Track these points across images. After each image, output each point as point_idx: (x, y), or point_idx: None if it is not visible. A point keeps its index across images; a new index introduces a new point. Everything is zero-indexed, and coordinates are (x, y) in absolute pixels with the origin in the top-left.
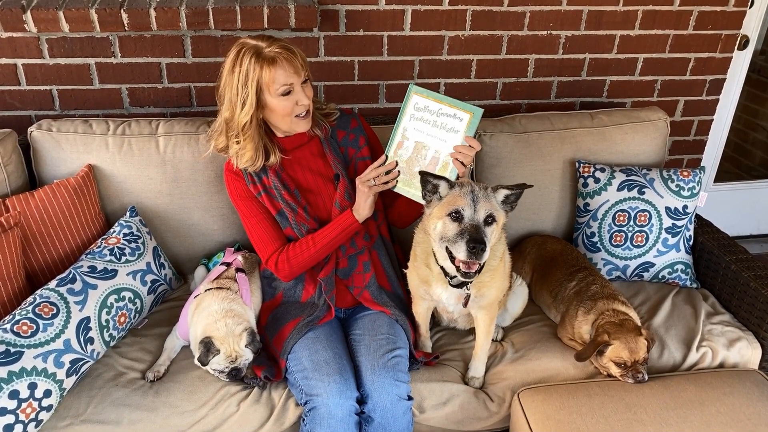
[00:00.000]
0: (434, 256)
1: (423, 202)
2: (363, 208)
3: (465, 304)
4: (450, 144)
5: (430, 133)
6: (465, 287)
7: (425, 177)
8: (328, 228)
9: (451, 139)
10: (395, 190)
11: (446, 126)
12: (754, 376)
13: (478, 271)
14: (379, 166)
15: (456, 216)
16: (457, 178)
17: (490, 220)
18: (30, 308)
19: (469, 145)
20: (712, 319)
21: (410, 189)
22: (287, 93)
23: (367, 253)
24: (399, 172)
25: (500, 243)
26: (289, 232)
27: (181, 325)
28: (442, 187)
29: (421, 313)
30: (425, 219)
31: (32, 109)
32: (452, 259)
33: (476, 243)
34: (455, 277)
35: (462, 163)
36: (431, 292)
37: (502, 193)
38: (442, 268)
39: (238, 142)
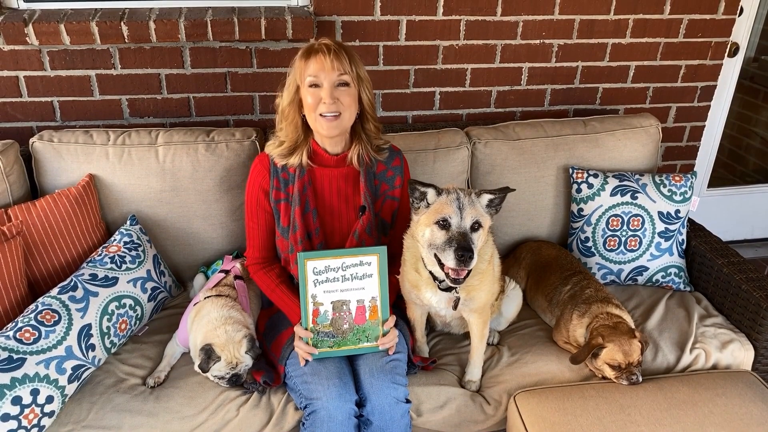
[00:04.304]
0: (423, 260)
1: (374, 350)
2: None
3: (455, 307)
4: (370, 289)
5: (344, 288)
6: (454, 290)
7: (413, 184)
8: (284, 298)
9: (369, 284)
10: (332, 355)
11: (358, 275)
12: (747, 377)
13: (466, 276)
14: (300, 339)
15: (443, 224)
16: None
17: (476, 226)
18: (32, 315)
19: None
20: (705, 322)
21: (350, 347)
22: (314, 85)
23: None
24: (318, 345)
25: (487, 246)
26: (283, 242)
27: (181, 332)
28: (430, 194)
29: (416, 318)
30: (413, 225)
31: (34, 120)
32: (441, 264)
33: (464, 251)
34: (444, 281)
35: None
36: (421, 296)
37: (486, 197)
38: (431, 272)
39: (281, 129)
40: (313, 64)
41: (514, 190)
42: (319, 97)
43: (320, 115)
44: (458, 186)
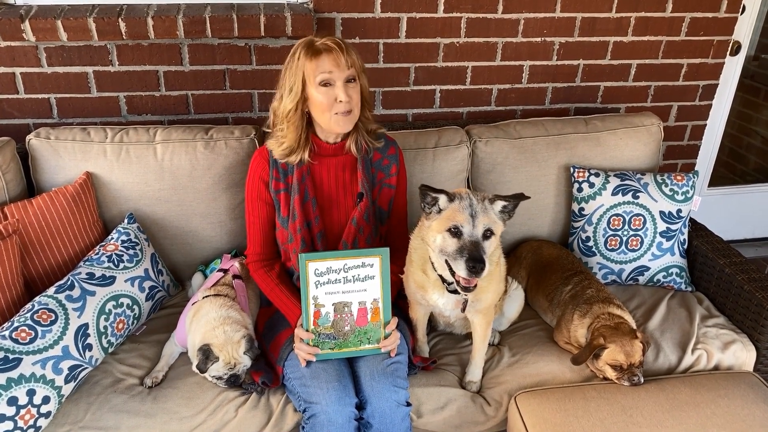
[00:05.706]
0: (431, 263)
1: (375, 353)
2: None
3: (463, 309)
4: (372, 291)
5: (345, 290)
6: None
7: (424, 190)
8: (283, 297)
9: (371, 286)
10: (333, 357)
11: (360, 276)
12: (749, 378)
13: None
14: (302, 340)
15: (455, 231)
16: None
17: (488, 234)
18: (28, 315)
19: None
20: (706, 322)
21: (351, 349)
22: (326, 84)
23: None
24: (320, 346)
25: (496, 248)
26: (283, 233)
27: (179, 332)
28: (441, 200)
29: (419, 318)
30: (424, 230)
31: (30, 117)
32: (452, 270)
33: (476, 262)
34: (453, 282)
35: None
36: (428, 297)
37: (500, 204)
38: (440, 275)
39: (281, 130)
40: (326, 62)
41: (528, 198)
42: (333, 97)
43: (335, 113)
44: (471, 191)
